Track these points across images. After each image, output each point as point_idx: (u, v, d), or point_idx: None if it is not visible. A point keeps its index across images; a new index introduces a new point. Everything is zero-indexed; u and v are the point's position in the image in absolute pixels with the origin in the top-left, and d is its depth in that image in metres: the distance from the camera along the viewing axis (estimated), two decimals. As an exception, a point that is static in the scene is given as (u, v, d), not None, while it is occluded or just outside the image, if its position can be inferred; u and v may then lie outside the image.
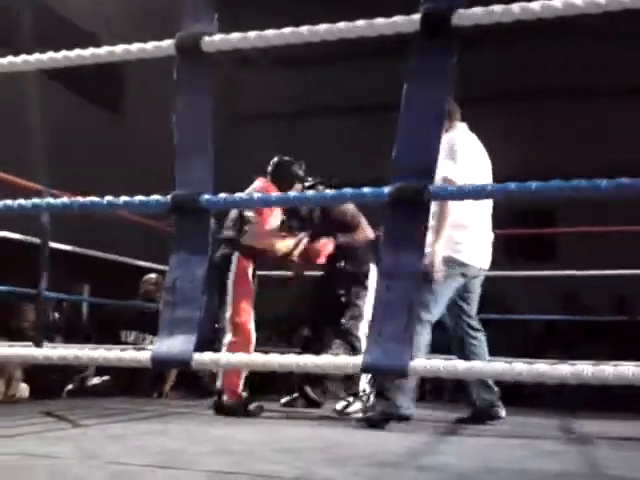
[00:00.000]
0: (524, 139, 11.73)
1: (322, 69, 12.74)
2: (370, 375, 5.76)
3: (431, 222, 4.26)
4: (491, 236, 5.00)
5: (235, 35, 2.05)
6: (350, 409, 5.77)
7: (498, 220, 4.73)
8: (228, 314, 5.66)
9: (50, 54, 2.22)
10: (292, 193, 1.90)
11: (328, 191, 1.94)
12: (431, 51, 1.88)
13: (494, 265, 5.00)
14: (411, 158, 1.88)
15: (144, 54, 2.16)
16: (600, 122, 12.35)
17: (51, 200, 2.26)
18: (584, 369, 1.61)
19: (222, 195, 1.97)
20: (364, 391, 5.82)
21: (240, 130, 12.69)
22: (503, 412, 5.11)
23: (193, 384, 7.76)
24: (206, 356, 1.85)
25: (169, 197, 2.00)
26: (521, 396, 7.91)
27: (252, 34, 2.03)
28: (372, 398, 5.77)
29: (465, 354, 4.87)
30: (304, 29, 1.97)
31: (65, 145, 10.00)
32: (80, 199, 2.08)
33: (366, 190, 1.91)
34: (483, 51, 10.67)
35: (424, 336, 4.64)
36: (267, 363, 1.82)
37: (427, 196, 1.82)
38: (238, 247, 5.72)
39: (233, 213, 5.78)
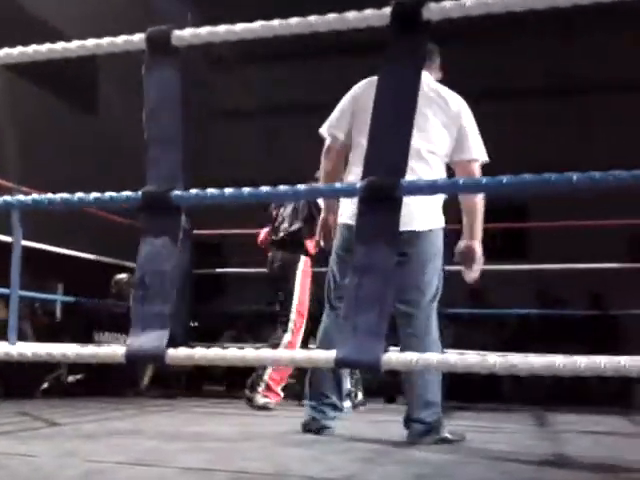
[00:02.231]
0: (508, 138, 11.70)
1: (297, 65, 12.72)
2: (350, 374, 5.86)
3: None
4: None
5: (205, 29, 2.05)
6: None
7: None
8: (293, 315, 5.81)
9: (20, 48, 2.21)
10: (265, 188, 1.89)
11: (301, 186, 1.94)
12: (401, 45, 1.89)
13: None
14: (383, 153, 1.88)
15: (115, 48, 2.14)
16: (585, 120, 12.39)
17: (21, 197, 2.24)
18: (556, 361, 1.62)
19: (193, 191, 1.97)
20: (349, 390, 5.90)
21: (215, 128, 12.67)
22: None
23: (169, 382, 7.78)
24: (180, 351, 1.85)
25: (139, 193, 2.00)
26: (496, 392, 7.96)
27: (222, 28, 2.02)
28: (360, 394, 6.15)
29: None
30: (275, 23, 1.97)
31: (37, 143, 9.95)
32: (51, 195, 2.07)
33: (338, 185, 1.93)
34: (464, 49, 10.68)
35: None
36: (243, 358, 1.83)
37: (399, 191, 1.83)
38: (302, 248, 5.93)
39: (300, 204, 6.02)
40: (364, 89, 4.01)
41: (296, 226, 5.94)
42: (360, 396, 6.26)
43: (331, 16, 1.91)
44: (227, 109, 13.18)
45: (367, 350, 1.74)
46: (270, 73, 13.31)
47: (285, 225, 6.00)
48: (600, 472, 3.05)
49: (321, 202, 5.81)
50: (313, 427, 4.06)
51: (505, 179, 1.78)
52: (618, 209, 6.89)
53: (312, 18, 1.92)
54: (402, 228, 3.80)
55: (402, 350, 3.81)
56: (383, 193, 1.83)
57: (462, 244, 4.02)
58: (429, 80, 4.05)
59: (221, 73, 12.94)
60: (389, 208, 1.85)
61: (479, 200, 3.98)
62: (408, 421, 3.94)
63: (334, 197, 3.82)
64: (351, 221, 3.81)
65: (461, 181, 1.77)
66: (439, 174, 3.93)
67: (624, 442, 4.46)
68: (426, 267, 3.93)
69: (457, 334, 8.54)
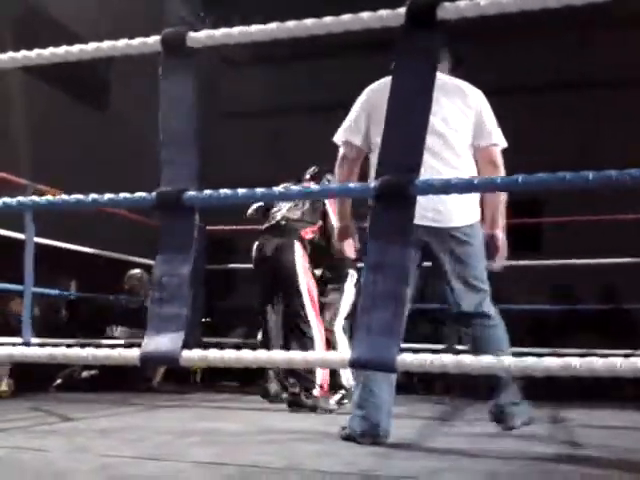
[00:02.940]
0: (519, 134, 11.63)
1: (304, 66, 12.69)
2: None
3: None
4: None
5: (220, 31, 2.05)
6: (345, 401, 5.77)
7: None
8: (312, 316, 5.58)
9: (37, 51, 2.22)
10: (278, 188, 1.90)
11: (314, 186, 1.96)
12: (416, 44, 1.88)
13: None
14: (397, 152, 1.88)
15: (130, 50, 2.15)
16: (595, 115, 12.34)
17: (36, 198, 2.25)
18: (572, 362, 1.61)
19: (207, 192, 1.97)
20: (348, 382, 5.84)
21: (223, 128, 12.66)
22: None
23: (181, 377, 7.80)
24: (194, 353, 1.85)
25: (154, 194, 2.00)
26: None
27: (237, 30, 2.02)
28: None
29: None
30: (290, 24, 1.97)
31: (49, 141, 9.96)
32: (65, 197, 2.07)
33: (352, 185, 1.92)
34: (474, 45, 10.63)
35: None
36: (256, 359, 1.83)
37: (413, 190, 1.82)
38: (297, 234, 5.76)
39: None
40: (378, 90, 3.95)
41: (296, 215, 5.87)
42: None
43: (346, 16, 1.91)
44: (230, 110, 13.16)
45: (382, 350, 1.74)
46: (274, 74, 13.29)
47: (283, 211, 5.92)
48: (617, 466, 3.04)
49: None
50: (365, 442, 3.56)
51: (520, 178, 1.77)
52: (633, 203, 6.86)
53: (327, 19, 1.92)
54: (453, 224, 3.86)
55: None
56: (397, 192, 1.83)
57: (484, 234, 3.98)
58: (442, 75, 4.02)
59: (226, 73, 12.93)
60: (403, 206, 1.85)
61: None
62: (499, 407, 3.93)
63: (348, 197, 3.78)
64: None
65: (476, 180, 1.76)
66: (467, 162, 3.91)
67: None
68: (481, 262, 3.94)
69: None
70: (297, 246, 5.72)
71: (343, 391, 5.83)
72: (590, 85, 12.27)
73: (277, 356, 1.80)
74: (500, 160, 3.98)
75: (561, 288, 10.08)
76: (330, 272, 6.16)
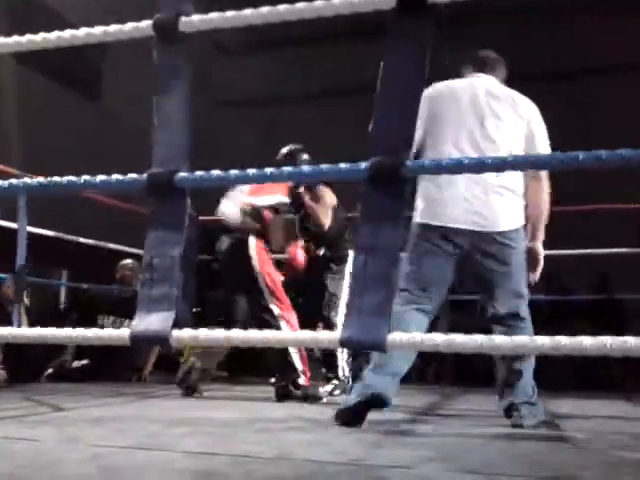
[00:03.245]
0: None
1: (298, 52, 12.66)
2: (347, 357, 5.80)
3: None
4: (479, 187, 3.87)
5: (213, 15, 2.05)
6: (336, 392, 5.74)
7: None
8: (274, 307, 5.53)
9: (28, 36, 2.21)
10: (269, 169, 1.89)
11: (305, 167, 1.97)
12: (407, 28, 1.89)
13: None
14: (388, 134, 1.88)
15: (122, 35, 2.14)
16: (586, 101, 12.33)
17: (28, 180, 2.25)
18: (562, 340, 1.62)
19: (198, 173, 1.97)
20: (344, 374, 5.83)
21: (219, 116, 12.63)
22: None
23: (172, 367, 7.80)
24: (185, 333, 1.85)
25: (145, 176, 2.00)
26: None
27: (230, 14, 2.02)
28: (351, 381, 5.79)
29: None
30: (282, 8, 1.97)
31: (40, 130, 9.94)
32: (57, 178, 2.07)
33: (342, 166, 1.91)
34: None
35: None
36: (247, 339, 1.83)
37: (404, 172, 1.83)
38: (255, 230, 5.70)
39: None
40: (439, 91, 4.00)
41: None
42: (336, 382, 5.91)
43: (337, 0, 1.91)
44: (226, 98, 13.13)
45: (373, 329, 1.74)
46: (269, 61, 13.27)
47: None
48: (607, 454, 3.05)
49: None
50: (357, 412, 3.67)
51: (511, 158, 1.78)
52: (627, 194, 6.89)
53: (318, 2, 1.92)
54: (499, 228, 3.85)
55: None
56: (389, 173, 1.83)
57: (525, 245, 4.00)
58: (496, 84, 4.08)
59: (221, 61, 12.91)
60: (395, 188, 1.85)
61: (544, 202, 3.98)
62: (513, 406, 3.92)
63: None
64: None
65: (466, 161, 1.77)
66: (514, 174, 3.90)
67: (628, 425, 4.46)
68: (523, 267, 3.97)
69: (457, 321, 8.51)
70: (252, 240, 5.65)
71: (336, 381, 5.83)
72: (587, 73, 12.26)
73: (267, 336, 1.80)
74: (545, 176, 3.99)
75: (553, 278, 10.11)
76: (329, 251, 6.14)
